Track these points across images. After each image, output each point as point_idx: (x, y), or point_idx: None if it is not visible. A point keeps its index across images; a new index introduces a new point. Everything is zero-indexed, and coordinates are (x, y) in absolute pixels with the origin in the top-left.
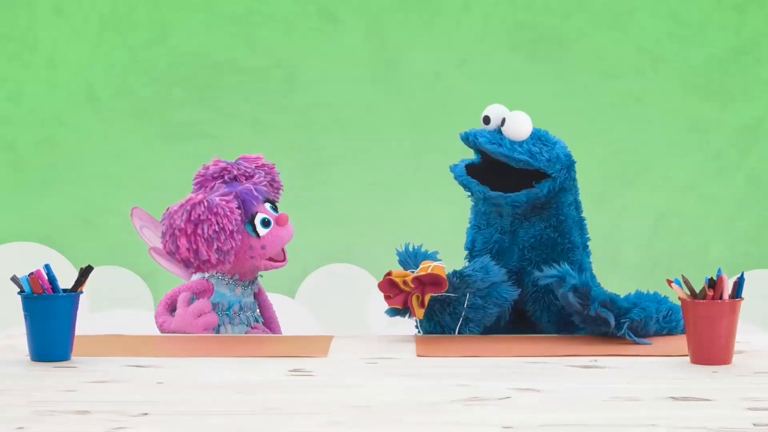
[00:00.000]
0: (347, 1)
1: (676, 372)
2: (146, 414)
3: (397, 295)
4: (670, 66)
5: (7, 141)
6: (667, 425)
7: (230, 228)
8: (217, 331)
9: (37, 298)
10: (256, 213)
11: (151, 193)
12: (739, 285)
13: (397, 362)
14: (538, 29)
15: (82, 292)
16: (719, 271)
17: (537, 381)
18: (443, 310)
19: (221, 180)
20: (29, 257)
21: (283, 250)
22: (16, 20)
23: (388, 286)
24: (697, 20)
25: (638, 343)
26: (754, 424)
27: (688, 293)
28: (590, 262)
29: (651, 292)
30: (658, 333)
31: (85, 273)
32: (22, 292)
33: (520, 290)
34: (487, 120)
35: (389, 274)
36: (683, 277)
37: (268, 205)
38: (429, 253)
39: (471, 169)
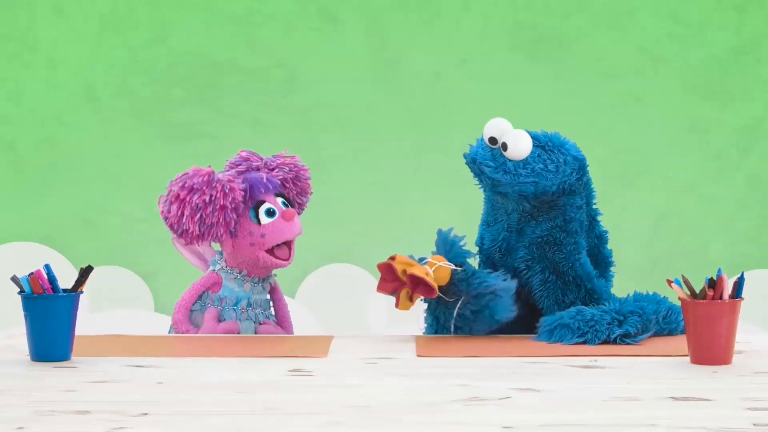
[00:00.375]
0: (347, 1)
1: (676, 372)
2: (146, 414)
3: (390, 282)
4: (670, 66)
5: (7, 141)
6: (667, 425)
7: (221, 203)
8: None
9: (37, 298)
10: (263, 201)
11: (151, 193)
12: (739, 285)
13: (397, 362)
14: (538, 29)
15: (82, 292)
16: (719, 271)
17: (537, 381)
18: (438, 305)
19: (239, 167)
20: (29, 257)
21: (289, 248)
22: (16, 20)
23: (386, 269)
24: (697, 20)
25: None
26: (754, 424)
27: (688, 293)
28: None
29: (650, 292)
30: (659, 333)
31: (85, 273)
32: (22, 292)
33: (515, 313)
34: (493, 141)
35: (393, 258)
36: (683, 277)
37: (279, 200)
38: (464, 249)
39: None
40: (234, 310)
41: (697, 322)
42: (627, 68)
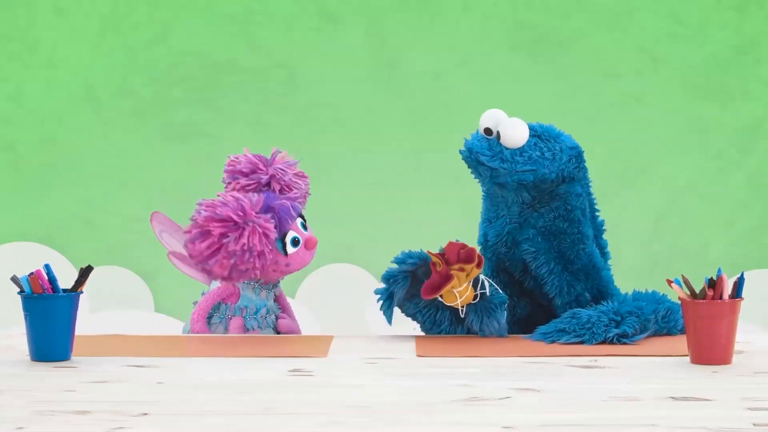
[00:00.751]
0: (347, 1)
1: (676, 372)
2: (146, 414)
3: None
4: (670, 66)
5: (7, 141)
6: (667, 425)
7: (258, 249)
8: None
9: (37, 298)
10: (288, 231)
11: (151, 193)
12: (739, 285)
13: (397, 362)
14: (538, 29)
15: (82, 292)
16: (719, 271)
17: (537, 381)
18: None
19: (254, 182)
20: (29, 257)
21: None
22: (16, 20)
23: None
24: (697, 20)
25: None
26: (754, 424)
27: (688, 293)
28: (608, 258)
29: (650, 292)
30: (658, 333)
31: (85, 273)
32: (22, 292)
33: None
34: (488, 132)
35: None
36: (683, 277)
37: (299, 221)
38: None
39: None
40: (255, 319)
41: (697, 322)
42: (627, 68)
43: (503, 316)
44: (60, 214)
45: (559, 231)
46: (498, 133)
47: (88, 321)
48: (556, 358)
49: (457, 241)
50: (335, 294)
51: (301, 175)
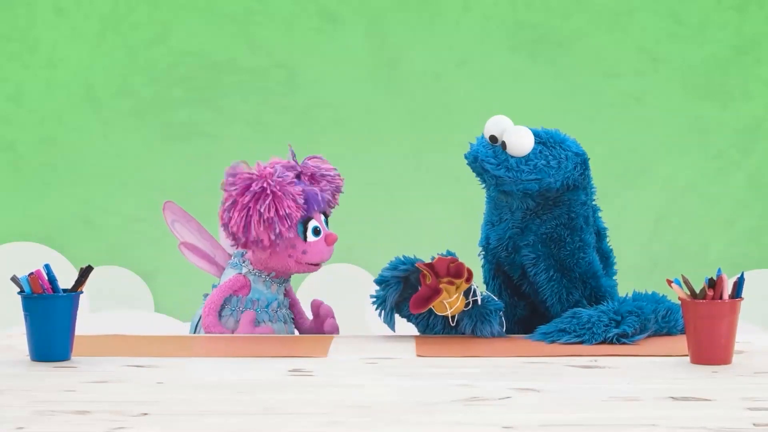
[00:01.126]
0: (347, 1)
1: (676, 372)
2: (146, 414)
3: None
4: (670, 66)
5: (7, 141)
6: (667, 425)
7: (296, 218)
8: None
9: (37, 298)
10: (311, 218)
11: (151, 193)
12: (739, 285)
13: (397, 362)
14: (538, 29)
15: (82, 292)
16: (719, 271)
17: (537, 381)
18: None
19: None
20: (29, 257)
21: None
22: (16, 20)
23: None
24: (697, 20)
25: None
26: (754, 424)
27: (688, 293)
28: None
29: (650, 292)
30: (658, 333)
31: (85, 273)
32: (22, 292)
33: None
34: (494, 139)
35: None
36: (683, 277)
37: (322, 217)
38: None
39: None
40: (266, 312)
41: (697, 322)
42: (627, 68)
43: (497, 322)
44: (60, 214)
45: (560, 238)
46: (503, 142)
47: (88, 321)
48: (556, 358)
49: (446, 254)
50: (335, 294)
51: (330, 169)
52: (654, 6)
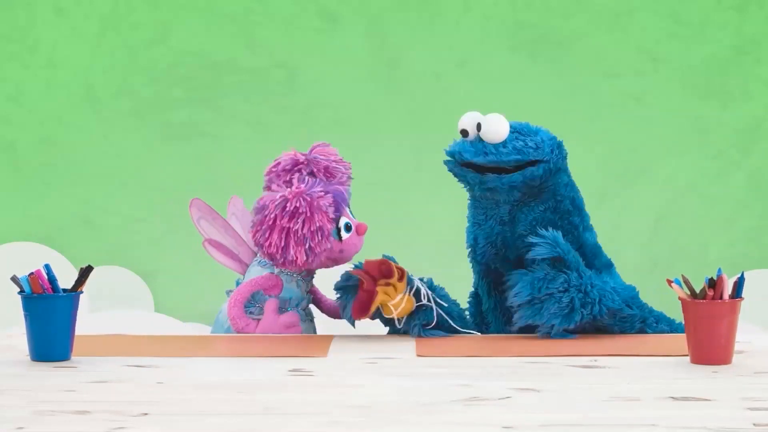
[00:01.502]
0: (347, 1)
1: (676, 372)
2: (146, 414)
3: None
4: (670, 66)
5: (7, 141)
6: (667, 425)
7: (328, 229)
8: None
9: (37, 298)
10: (341, 216)
11: (151, 193)
12: (739, 285)
13: (397, 362)
14: (538, 29)
15: (82, 292)
16: (719, 271)
17: (537, 381)
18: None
19: (299, 173)
20: (29, 257)
21: None
22: (16, 20)
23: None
24: (697, 20)
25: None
26: (754, 424)
27: (688, 293)
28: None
29: (636, 290)
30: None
31: (85, 273)
32: (22, 292)
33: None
34: (464, 133)
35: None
36: (683, 277)
37: (347, 209)
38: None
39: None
40: (297, 310)
41: (697, 322)
42: (627, 68)
43: (458, 324)
44: (60, 214)
45: (548, 222)
46: (479, 125)
47: (88, 321)
48: (556, 358)
49: (387, 258)
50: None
51: (340, 161)
52: (654, 6)
